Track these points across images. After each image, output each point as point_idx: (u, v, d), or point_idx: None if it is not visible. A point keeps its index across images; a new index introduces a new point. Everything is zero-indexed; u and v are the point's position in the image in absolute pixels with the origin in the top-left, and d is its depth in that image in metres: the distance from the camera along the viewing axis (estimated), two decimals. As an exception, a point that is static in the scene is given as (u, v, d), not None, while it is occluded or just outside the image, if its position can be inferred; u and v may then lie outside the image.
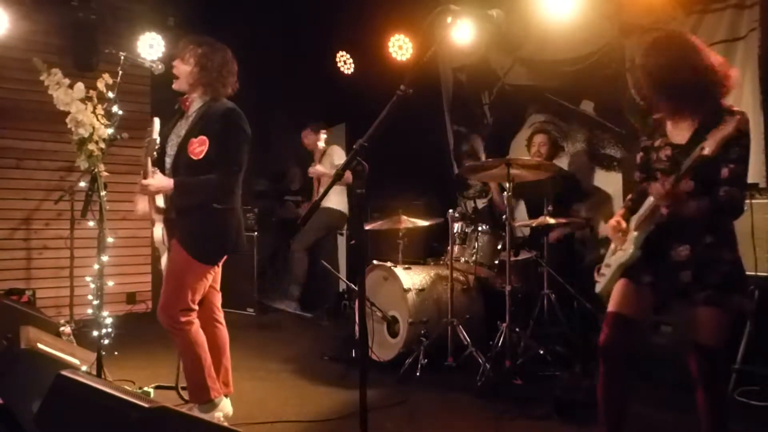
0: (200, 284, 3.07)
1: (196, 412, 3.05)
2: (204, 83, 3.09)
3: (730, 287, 2.29)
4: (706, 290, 2.30)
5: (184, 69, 3.11)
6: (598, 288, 2.64)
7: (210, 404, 3.09)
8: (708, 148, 2.11)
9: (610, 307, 2.50)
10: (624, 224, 2.53)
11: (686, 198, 2.27)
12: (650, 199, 2.40)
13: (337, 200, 5.90)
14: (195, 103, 3.15)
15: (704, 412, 2.38)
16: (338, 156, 5.78)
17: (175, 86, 3.16)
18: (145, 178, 3.01)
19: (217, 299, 3.30)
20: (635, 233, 2.46)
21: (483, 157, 6.08)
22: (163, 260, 3.09)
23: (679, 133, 2.41)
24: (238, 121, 3.06)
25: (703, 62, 2.31)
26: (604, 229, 2.66)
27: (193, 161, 3.00)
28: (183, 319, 3.01)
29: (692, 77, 2.29)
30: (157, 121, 3.08)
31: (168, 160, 3.14)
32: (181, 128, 3.14)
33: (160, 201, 3.06)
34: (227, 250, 3.12)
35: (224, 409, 3.15)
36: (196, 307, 3.08)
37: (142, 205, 3.13)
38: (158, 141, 3.05)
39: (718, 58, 2.36)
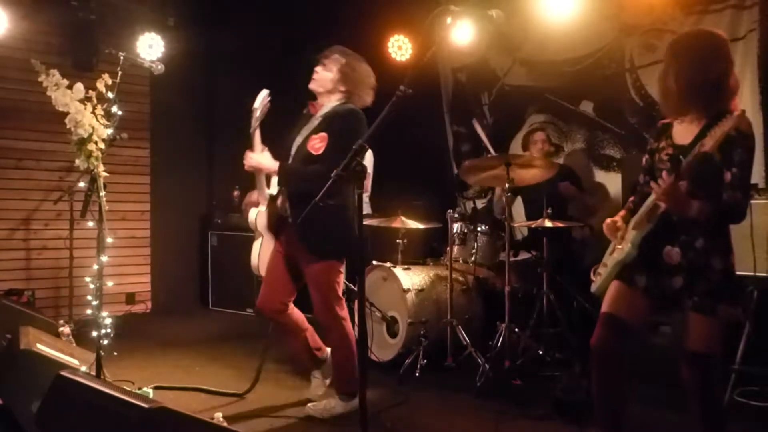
0: (341, 277, 3.28)
1: (337, 402, 3.24)
2: (343, 90, 3.21)
3: (718, 295, 2.27)
4: (693, 297, 2.29)
5: (324, 75, 3.22)
6: (593, 287, 2.62)
7: (353, 397, 3.17)
8: (707, 144, 2.11)
9: (603, 307, 2.49)
10: (622, 224, 2.53)
11: (687, 198, 2.25)
12: (650, 198, 2.37)
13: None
14: (324, 107, 3.25)
15: (698, 420, 2.35)
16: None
17: (311, 86, 3.26)
18: (252, 150, 3.18)
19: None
20: (633, 232, 2.44)
21: (489, 147, 6.00)
22: (255, 245, 3.25)
23: (684, 134, 2.39)
24: (358, 122, 3.13)
25: (731, 64, 2.32)
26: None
27: (311, 155, 3.10)
28: (340, 312, 3.23)
29: (721, 78, 2.28)
30: (264, 92, 3.22)
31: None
32: (306, 129, 3.25)
33: (273, 189, 3.22)
34: (350, 245, 3.22)
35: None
36: (343, 298, 3.30)
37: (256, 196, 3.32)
38: (258, 112, 3.18)
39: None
